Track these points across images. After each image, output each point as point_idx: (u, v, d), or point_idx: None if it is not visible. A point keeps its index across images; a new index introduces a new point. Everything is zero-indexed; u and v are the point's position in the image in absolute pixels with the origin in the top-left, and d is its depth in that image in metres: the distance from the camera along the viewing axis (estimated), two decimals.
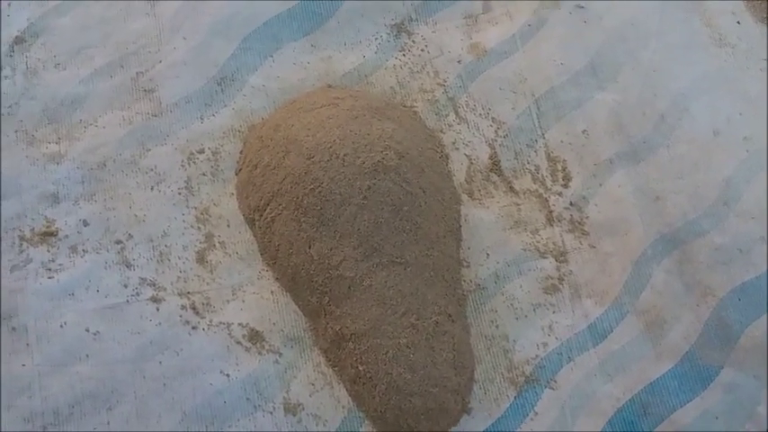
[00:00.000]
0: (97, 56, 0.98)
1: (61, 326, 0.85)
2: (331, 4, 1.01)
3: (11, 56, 0.97)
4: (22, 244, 0.89)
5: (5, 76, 0.96)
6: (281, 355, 0.86)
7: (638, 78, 0.98)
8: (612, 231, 0.92)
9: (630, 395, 0.86)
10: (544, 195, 0.93)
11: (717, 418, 0.86)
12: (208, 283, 0.88)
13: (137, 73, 0.97)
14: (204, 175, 0.93)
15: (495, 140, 0.96)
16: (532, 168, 0.95)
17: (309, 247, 0.85)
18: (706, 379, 0.87)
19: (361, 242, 0.84)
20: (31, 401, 0.83)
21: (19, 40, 0.98)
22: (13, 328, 0.85)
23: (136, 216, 0.91)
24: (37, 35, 0.98)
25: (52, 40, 0.98)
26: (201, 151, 0.94)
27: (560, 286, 0.90)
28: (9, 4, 0.98)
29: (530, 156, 0.95)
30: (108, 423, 0.83)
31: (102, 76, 0.97)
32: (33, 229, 0.89)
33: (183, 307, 0.87)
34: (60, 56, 0.97)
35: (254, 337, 0.87)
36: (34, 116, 0.94)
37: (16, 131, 0.93)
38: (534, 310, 0.89)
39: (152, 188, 0.92)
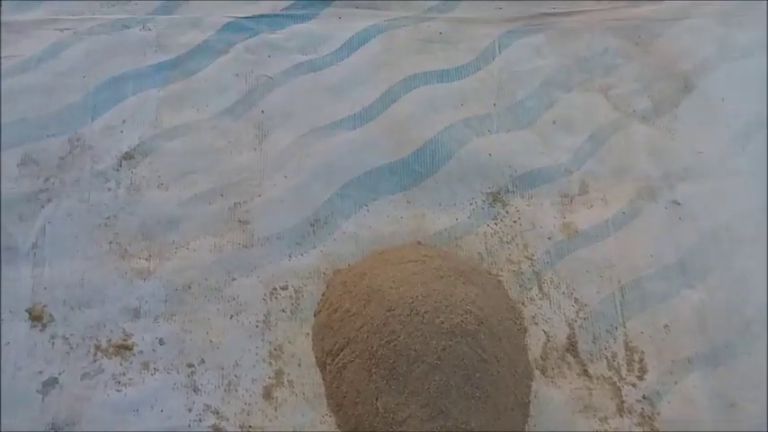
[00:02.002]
0: (200, 181, 1.00)
1: None
2: (432, 166, 1.03)
3: (117, 170, 1.00)
4: (96, 353, 0.90)
5: (109, 188, 0.99)
6: None
7: (727, 282, 0.97)
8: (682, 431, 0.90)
9: None
10: (618, 384, 0.92)
11: None
12: (270, 420, 0.88)
13: (234, 203, 0.99)
14: (284, 311, 0.94)
15: (575, 321, 0.95)
16: (609, 355, 0.94)
17: (376, 399, 0.85)
18: None
19: (428, 402, 0.83)
20: None
21: (128, 156, 1.01)
22: None
23: (211, 342, 0.91)
24: (146, 154, 1.01)
25: (159, 160, 1.01)
26: (285, 288, 0.95)
27: None
28: (124, 121, 1.02)
29: (608, 342, 0.94)
30: None
31: (202, 202, 0.99)
32: (110, 340, 0.91)
33: None
34: (164, 176, 1.00)
35: None
36: (130, 231, 0.97)
37: (110, 243, 0.96)
38: None
39: (231, 317, 0.93)
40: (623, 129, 1.07)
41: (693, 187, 1.03)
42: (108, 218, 0.97)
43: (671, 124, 1.07)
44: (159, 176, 1.00)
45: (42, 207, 0.97)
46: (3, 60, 1.04)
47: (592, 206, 1.02)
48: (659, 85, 1.10)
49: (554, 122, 1.07)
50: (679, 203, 1.02)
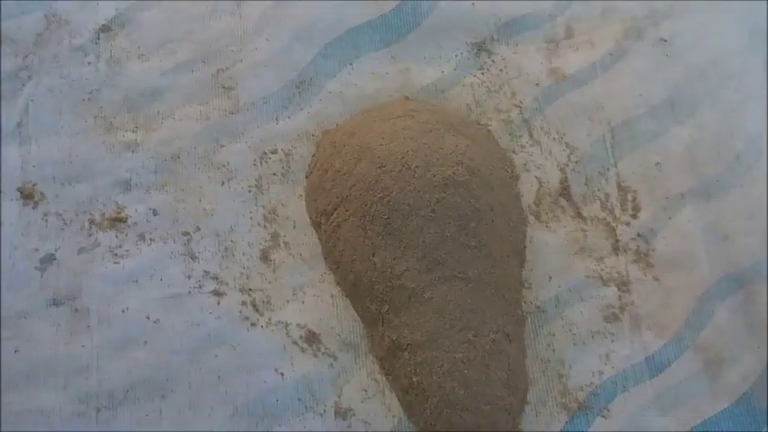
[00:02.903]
0: (180, 50, 0.99)
1: (123, 311, 0.86)
2: (413, 19, 1.01)
3: (96, 43, 0.99)
4: (91, 227, 0.90)
5: (89, 62, 0.98)
6: (336, 359, 0.87)
7: (716, 116, 0.97)
8: (678, 266, 0.91)
9: (683, 431, 0.85)
10: (612, 224, 0.93)
11: None
12: (270, 282, 0.89)
13: (217, 70, 0.98)
14: (275, 175, 0.94)
15: (567, 165, 0.95)
16: (602, 196, 0.94)
17: (373, 255, 0.85)
18: (761, 422, 0.86)
19: (425, 254, 0.84)
20: (88, 382, 0.84)
21: (105, 29, 0.99)
22: (76, 310, 0.86)
23: (205, 210, 0.92)
24: (123, 25, 0.99)
25: (138, 32, 0.99)
26: (274, 152, 0.95)
27: (621, 316, 0.89)
28: None
29: (600, 183, 0.95)
30: (161, 411, 0.83)
31: (184, 71, 0.98)
32: (104, 213, 0.91)
33: (244, 303, 0.88)
34: (144, 47, 0.99)
35: (311, 338, 0.87)
36: (114, 104, 0.96)
37: (95, 117, 0.95)
38: (592, 337, 0.88)
39: (223, 183, 0.93)
40: None
41: (679, 23, 1.02)
42: (91, 92, 0.96)
43: None
44: (139, 47, 0.99)
45: (23, 85, 0.96)
46: None
47: (578, 49, 1.01)
48: None
49: None
50: (666, 41, 1.01)
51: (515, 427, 0.84)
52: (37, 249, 0.89)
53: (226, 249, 0.90)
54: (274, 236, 0.91)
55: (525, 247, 0.91)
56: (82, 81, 0.97)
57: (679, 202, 0.94)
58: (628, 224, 0.93)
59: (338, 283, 0.89)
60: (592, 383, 0.87)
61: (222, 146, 0.95)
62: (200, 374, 0.85)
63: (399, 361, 0.84)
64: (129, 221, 0.91)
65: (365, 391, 0.86)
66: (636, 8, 1.03)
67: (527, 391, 0.86)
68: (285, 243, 0.91)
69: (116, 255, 0.89)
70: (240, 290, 0.88)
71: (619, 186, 0.95)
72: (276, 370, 0.86)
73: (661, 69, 1.00)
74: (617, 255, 0.92)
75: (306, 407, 0.85)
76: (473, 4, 1.02)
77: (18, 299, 0.86)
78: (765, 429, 0.86)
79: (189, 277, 0.89)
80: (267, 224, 0.92)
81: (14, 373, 0.84)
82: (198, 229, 0.91)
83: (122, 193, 0.92)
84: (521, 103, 0.99)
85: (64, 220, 0.90)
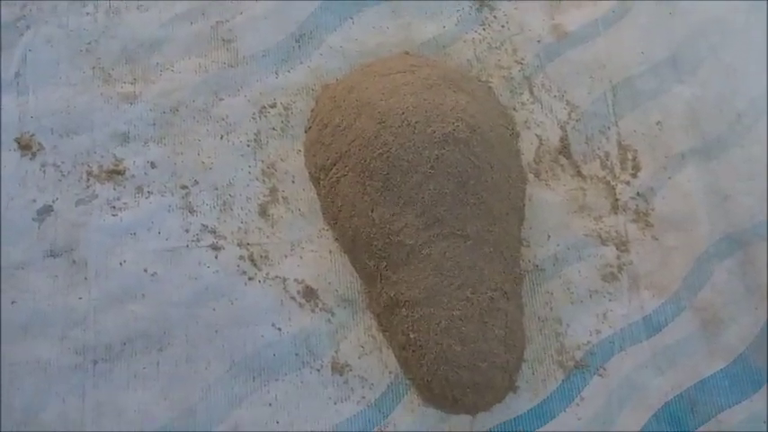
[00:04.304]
0: (179, 2, 0.98)
1: (120, 263, 0.86)
2: None
3: None
4: (89, 179, 0.90)
5: (87, 13, 0.97)
6: (333, 314, 0.87)
7: (718, 76, 0.97)
8: (677, 226, 0.91)
9: (679, 391, 0.85)
10: (611, 183, 0.93)
11: (765, 422, 0.85)
12: (268, 237, 0.89)
13: (216, 22, 0.97)
14: (274, 129, 0.93)
15: (567, 123, 0.95)
16: (602, 155, 0.94)
17: (372, 211, 0.85)
18: (757, 382, 0.86)
19: (423, 211, 0.84)
20: (85, 334, 0.84)
21: None
22: (74, 261, 0.86)
23: (203, 163, 0.91)
24: None
25: None
26: (273, 106, 0.94)
27: (619, 275, 0.89)
28: None
29: (601, 142, 0.94)
30: (158, 364, 0.84)
31: (183, 22, 0.97)
32: (102, 166, 0.90)
33: (242, 257, 0.88)
34: None
35: (309, 294, 0.87)
36: (112, 55, 0.95)
37: (93, 68, 0.95)
38: (590, 296, 0.88)
39: (221, 137, 0.93)
40: None
41: None
42: (89, 43, 0.95)
43: None
44: None
45: (21, 35, 0.95)
46: None
47: (580, 6, 1.00)
48: None
49: None
50: None
51: (512, 385, 0.84)
52: (34, 200, 0.88)
53: (224, 203, 0.90)
54: (273, 190, 0.91)
55: (524, 205, 0.91)
56: (80, 31, 0.96)
57: (679, 162, 0.93)
58: (627, 183, 0.93)
59: (336, 239, 0.89)
60: (589, 342, 0.87)
61: (221, 99, 0.94)
62: (198, 328, 0.85)
63: (397, 317, 0.84)
64: (127, 174, 0.90)
65: (362, 347, 0.86)
66: None
67: (524, 349, 0.86)
68: (284, 198, 0.91)
69: (114, 207, 0.89)
70: (238, 244, 0.88)
71: (619, 145, 0.94)
72: (273, 325, 0.86)
73: (664, 27, 0.99)
74: (616, 214, 0.92)
75: (303, 362, 0.85)
76: None
77: (15, 250, 0.86)
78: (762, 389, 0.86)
79: (187, 231, 0.88)
80: (266, 179, 0.91)
81: (11, 325, 0.84)
82: (196, 182, 0.90)
83: (120, 146, 0.91)
84: (522, 59, 0.98)
85: (62, 171, 0.90)
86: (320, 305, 0.87)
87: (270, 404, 0.83)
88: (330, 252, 0.89)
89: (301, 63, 0.97)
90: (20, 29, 0.95)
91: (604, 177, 0.93)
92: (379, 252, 0.85)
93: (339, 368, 0.85)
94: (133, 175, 0.90)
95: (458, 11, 1.00)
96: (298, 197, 0.91)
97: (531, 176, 0.93)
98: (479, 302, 0.82)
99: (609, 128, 0.95)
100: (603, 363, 0.86)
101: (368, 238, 0.85)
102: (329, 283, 0.88)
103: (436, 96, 0.88)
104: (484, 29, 0.99)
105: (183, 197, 0.90)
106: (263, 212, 0.90)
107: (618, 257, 0.90)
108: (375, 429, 0.83)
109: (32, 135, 0.91)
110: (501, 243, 0.86)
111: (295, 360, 0.85)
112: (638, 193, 0.92)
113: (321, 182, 0.90)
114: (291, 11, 0.98)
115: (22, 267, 0.86)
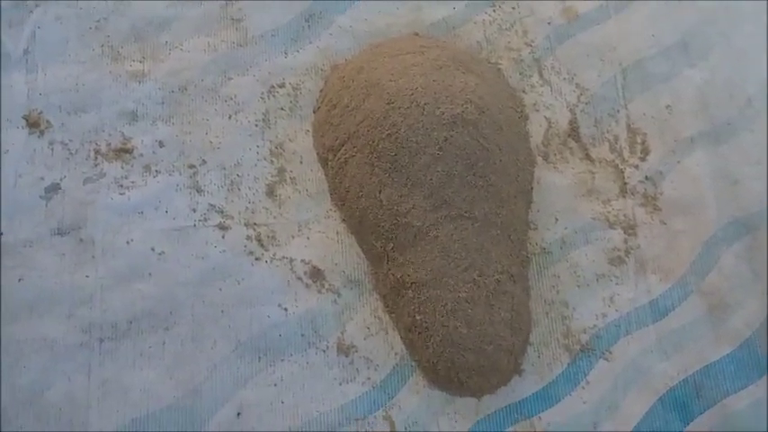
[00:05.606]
0: None
1: (127, 242, 0.87)
2: None
3: None
4: (97, 158, 0.90)
5: None
6: (339, 295, 0.87)
7: (728, 60, 0.96)
8: (685, 210, 0.91)
9: (685, 375, 0.85)
10: (620, 166, 0.92)
11: None
12: (275, 217, 0.89)
13: (226, 1, 0.97)
14: (282, 109, 0.93)
15: (577, 106, 0.95)
16: (611, 138, 0.93)
17: (379, 192, 0.85)
18: (763, 367, 0.86)
19: (431, 192, 0.84)
20: (91, 313, 0.84)
21: None
22: (81, 240, 0.86)
23: (211, 143, 0.91)
24: None
25: None
26: (282, 85, 0.94)
27: (626, 259, 0.89)
28: None
29: (610, 125, 0.94)
30: (164, 343, 0.84)
31: (192, 1, 0.97)
32: (110, 144, 0.90)
33: (249, 237, 0.88)
34: None
35: (316, 274, 0.87)
36: (121, 33, 0.95)
37: (102, 46, 0.94)
38: (597, 279, 0.88)
39: (230, 117, 0.92)
40: None
41: None
42: (98, 21, 0.95)
43: None
44: None
45: (31, 12, 0.95)
46: None
47: None
48: None
49: None
50: None
51: (517, 368, 0.84)
52: (42, 178, 0.88)
53: (231, 183, 0.90)
54: (281, 171, 0.91)
55: (532, 187, 0.91)
56: (89, 9, 0.96)
57: (688, 146, 0.93)
58: (636, 167, 0.92)
59: (344, 220, 0.89)
60: (595, 326, 0.87)
61: (230, 78, 0.94)
62: (204, 308, 0.85)
63: (403, 299, 0.84)
64: (135, 153, 0.90)
65: (368, 328, 0.86)
66: None
67: (530, 332, 0.86)
68: (291, 178, 0.91)
69: (122, 186, 0.89)
70: (245, 224, 0.88)
71: (628, 128, 0.94)
72: (280, 305, 0.86)
73: (675, 11, 0.99)
74: (624, 198, 0.91)
75: (309, 343, 0.85)
76: None
77: (23, 227, 0.86)
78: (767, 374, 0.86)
79: (194, 210, 0.88)
80: (274, 159, 0.91)
81: (18, 302, 0.84)
82: (204, 162, 0.90)
83: (129, 124, 0.91)
84: (532, 41, 0.98)
85: (69, 149, 0.90)
86: (327, 286, 0.87)
87: (275, 384, 0.83)
88: (337, 233, 0.89)
89: (311, 43, 0.96)
90: (29, 6, 0.95)
91: (613, 161, 0.93)
92: (387, 233, 0.85)
93: (345, 349, 0.85)
94: (141, 154, 0.90)
95: None
96: (305, 178, 0.91)
97: (539, 159, 0.92)
98: (486, 285, 0.82)
99: (618, 111, 0.95)
100: (609, 346, 0.86)
101: (375, 220, 0.85)
102: (336, 263, 0.88)
103: (445, 78, 0.88)
104: (494, 10, 0.99)
105: (190, 176, 0.90)
106: (271, 193, 0.90)
107: (625, 241, 0.90)
108: (380, 410, 0.83)
109: (41, 112, 0.91)
110: (508, 226, 0.86)
111: (301, 341, 0.85)
112: (646, 177, 0.92)
113: (329, 162, 0.90)
114: None
115: (30, 245, 0.86)
